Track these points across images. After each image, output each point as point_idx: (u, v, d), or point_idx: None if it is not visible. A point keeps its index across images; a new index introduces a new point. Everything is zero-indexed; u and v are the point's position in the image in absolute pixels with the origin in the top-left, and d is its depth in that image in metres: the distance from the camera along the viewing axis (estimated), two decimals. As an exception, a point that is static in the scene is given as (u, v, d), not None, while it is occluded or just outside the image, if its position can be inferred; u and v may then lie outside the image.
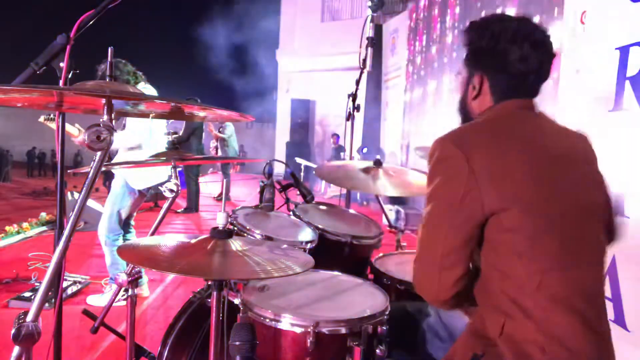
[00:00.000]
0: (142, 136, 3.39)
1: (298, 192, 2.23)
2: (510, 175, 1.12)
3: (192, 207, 7.92)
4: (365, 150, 9.75)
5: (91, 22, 1.40)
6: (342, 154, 11.17)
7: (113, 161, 3.31)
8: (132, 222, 3.71)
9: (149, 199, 7.38)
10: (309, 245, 1.82)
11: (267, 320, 1.35)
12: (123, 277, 1.52)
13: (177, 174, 1.76)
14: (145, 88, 3.48)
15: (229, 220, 1.31)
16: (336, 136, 12.23)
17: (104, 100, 1.02)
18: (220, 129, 9.06)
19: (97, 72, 3.31)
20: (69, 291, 3.63)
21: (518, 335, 1.11)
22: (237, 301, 1.44)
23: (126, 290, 1.54)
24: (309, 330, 1.29)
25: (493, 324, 1.16)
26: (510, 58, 1.25)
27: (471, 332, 1.24)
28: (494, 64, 1.28)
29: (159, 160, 1.88)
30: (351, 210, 2.45)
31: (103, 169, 1.09)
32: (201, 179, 8.55)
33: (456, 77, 1.41)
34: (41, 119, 3.35)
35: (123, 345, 1.61)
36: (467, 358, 1.20)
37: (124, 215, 3.49)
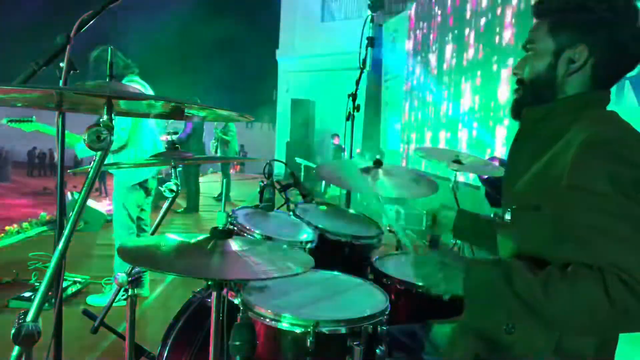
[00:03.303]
0: (128, 134, 3.37)
1: (298, 192, 2.23)
2: None
3: (192, 207, 7.92)
4: (359, 151, 9.78)
5: (91, 22, 1.40)
6: (342, 154, 11.18)
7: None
8: (146, 220, 3.70)
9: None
10: (309, 245, 1.82)
11: (267, 320, 1.35)
12: (123, 277, 1.51)
13: (177, 174, 1.76)
14: (132, 81, 3.45)
15: (229, 220, 1.31)
16: (336, 136, 12.24)
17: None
18: (222, 129, 9.05)
19: (90, 62, 3.29)
20: (69, 291, 3.63)
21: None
22: (237, 301, 1.44)
23: (126, 290, 1.54)
24: (309, 330, 1.29)
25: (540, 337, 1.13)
26: (631, 36, 1.12)
27: (471, 333, 1.23)
28: (612, 39, 1.13)
29: (159, 160, 1.88)
30: (351, 210, 2.45)
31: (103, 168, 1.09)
32: (201, 179, 8.55)
33: (529, 43, 1.24)
34: (4, 121, 3.15)
35: (123, 345, 1.61)
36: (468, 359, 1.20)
37: (132, 212, 3.50)
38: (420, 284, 1.65)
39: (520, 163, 1.25)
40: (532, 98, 1.25)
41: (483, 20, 6.21)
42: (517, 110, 1.29)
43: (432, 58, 8.24)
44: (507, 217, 1.24)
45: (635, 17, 1.14)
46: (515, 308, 1.04)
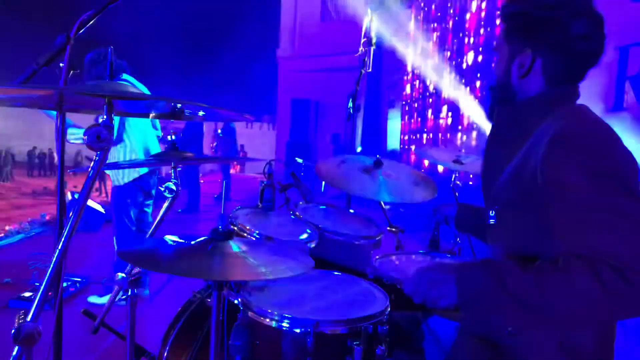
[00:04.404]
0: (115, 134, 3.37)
1: (298, 192, 2.23)
2: None
3: (192, 207, 7.92)
4: (359, 149, 9.77)
5: (91, 22, 1.40)
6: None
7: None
8: (148, 221, 3.71)
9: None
10: (309, 245, 1.82)
11: (267, 320, 1.35)
12: (123, 277, 1.51)
13: (177, 174, 1.75)
14: (122, 82, 3.44)
15: (229, 220, 1.31)
16: (336, 136, 12.23)
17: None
18: (220, 131, 9.06)
19: (85, 65, 3.29)
20: (69, 291, 3.64)
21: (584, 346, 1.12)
22: (237, 301, 1.44)
23: (126, 290, 1.54)
24: (309, 330, 1.29)
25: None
26: (572, 34, 1.13)
27: (474, 335, 1.23)
28: (552, 40, 1.16)
29: (159, 160, 1.88)
30: (351, 210, 2.45)
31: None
32: (201, 179, 8.55)
33: (494, 52, 1.30)
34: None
35: (123, 345, 1.61)
36: None
37: (129, 211, 3.51)
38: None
39: (494, 165, 1.28)
40: (498, 102, 1.30)
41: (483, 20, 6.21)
42: (490, 113, 1.34)
43: (432, 56, 8.23)
44: (491, 219, 1.26)
45: (577, 16, 1.15)
46: (512, 308, 1.03)
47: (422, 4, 9.04)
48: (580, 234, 1.00)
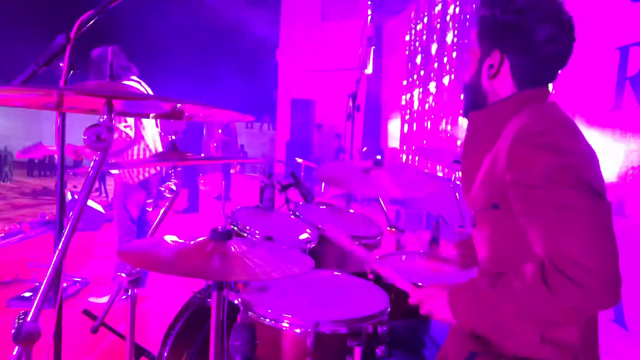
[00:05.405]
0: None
1: (298, 192, 2.23)
2: None
3: (193, 207, 7.92)
4: (364, 149, 9.76)
5: (91, 22, 1.40)
6: (342, 154, 11.18)
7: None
8: (148, 221, 3.71)
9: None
10: (309, 245, 1.83)
11: (267, 320, 1.35)
12: (123, 277, 1.52)
13: (178, 174, 1.76)
14: (128, 81, 3.44)
15: (229, 220, 1.31)
16: (336, 136, 12.23)
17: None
18: (220, 130, 9.06)
19: (92, 60, 3.27)
20: (69, 291, 3.64)
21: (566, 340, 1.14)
22: (237, 301, 1.44)
23: (126, 290, 1.54)
24: (309, 330, 1.29)
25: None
26: (537, 38, 1.16)
27: (463, 332, 1.25)
28: (519, 43, 1.18)
29: (159, 160, 1.88)
30: (351, 210, 2.45)
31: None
32: (201, 179, 8.54)
33: (465, 52, 1.35)
34: None
35: (123, 345, 1.61)
36: (462, 356, 1.21)
37: (133, 212, 3.51)
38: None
39: (471, 169, 1.29)
40: (470, 103, 1.32)
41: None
42: (466, 112, 1.35)
43: (432, 56, 8.24)
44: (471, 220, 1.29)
45: (543, 21, 1.16)
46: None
47: (422, 3, 9.04)
48: (537, 235, 1.05)
